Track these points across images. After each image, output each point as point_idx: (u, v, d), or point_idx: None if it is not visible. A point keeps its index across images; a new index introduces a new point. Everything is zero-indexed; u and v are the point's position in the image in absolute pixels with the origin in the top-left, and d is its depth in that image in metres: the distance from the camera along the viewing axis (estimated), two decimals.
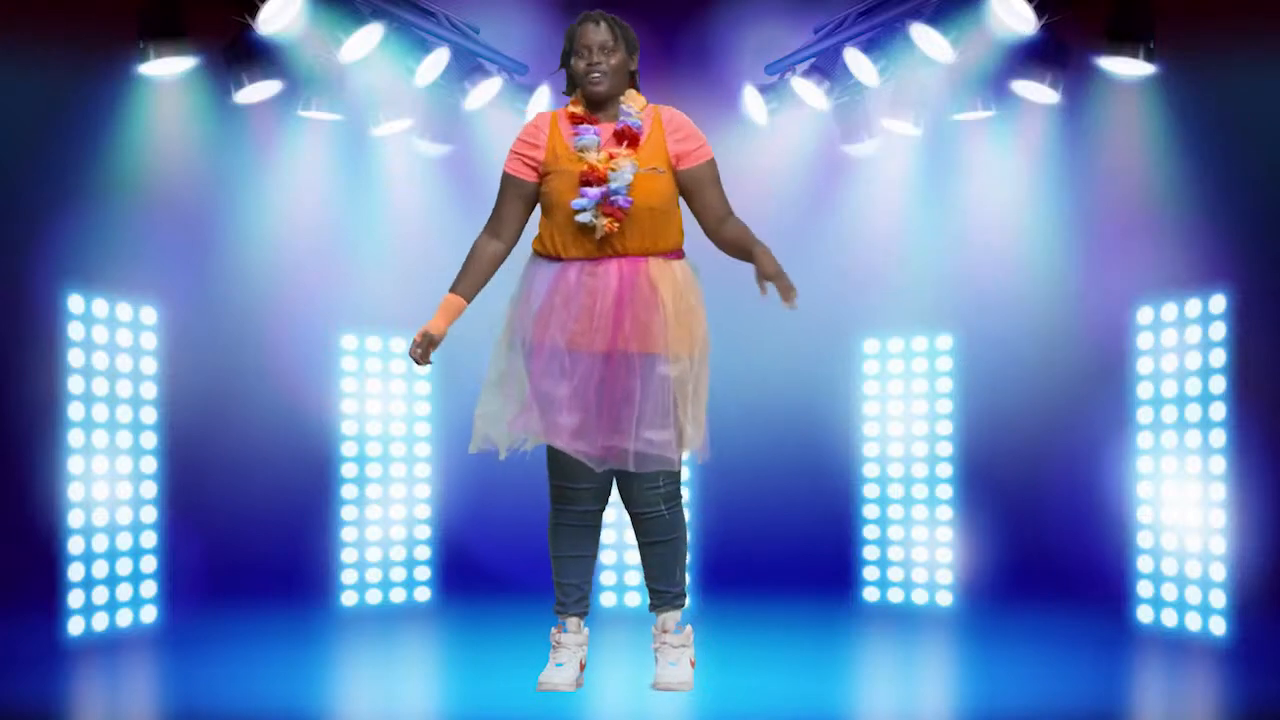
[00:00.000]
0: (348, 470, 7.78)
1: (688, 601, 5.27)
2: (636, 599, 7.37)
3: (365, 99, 7.43)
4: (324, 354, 7.76)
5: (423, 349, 5.04)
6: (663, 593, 5.20)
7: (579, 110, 5.00)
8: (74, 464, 6.73)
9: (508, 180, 5.06)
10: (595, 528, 5.18)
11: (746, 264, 7.96)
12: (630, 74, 5.03)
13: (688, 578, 5.32)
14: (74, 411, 6.74)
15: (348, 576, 7.70)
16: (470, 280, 5.12)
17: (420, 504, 7.93)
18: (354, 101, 7.41)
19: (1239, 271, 6.69)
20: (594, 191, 4.91)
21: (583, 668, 5.23)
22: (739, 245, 5.10)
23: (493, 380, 5.15)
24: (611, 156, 4.93)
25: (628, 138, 4.95)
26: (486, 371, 5.17)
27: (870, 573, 7.93)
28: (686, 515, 5.34)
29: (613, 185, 4.91)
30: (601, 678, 5.43)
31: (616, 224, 4.92)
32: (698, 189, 5.04)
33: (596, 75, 4.90)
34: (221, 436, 7.55)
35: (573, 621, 5.21)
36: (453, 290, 5.10)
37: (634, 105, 4.99)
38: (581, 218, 4.91)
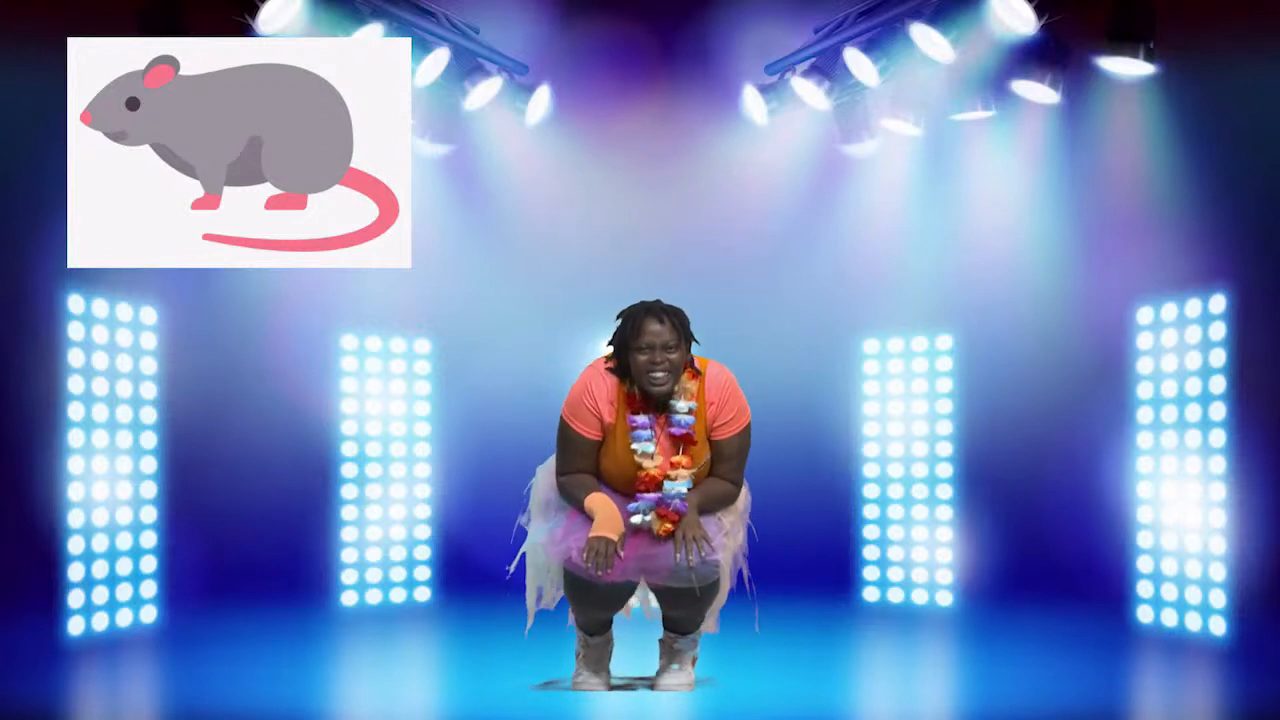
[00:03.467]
0: (348, 470, 7.79)
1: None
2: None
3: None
4: (324, 354, 7.76)
5: (608, 556, 4.90)
6: (676, 622, 5.22)
7: (635, 394, 5.00)
8: (74, 464, 6.72)
9: (583, 441, 5.04)
10: (621, 603, 5.17)
11: (746, 263, 8.03)
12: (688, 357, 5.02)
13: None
14: (74, 411, 6.74)
15: (348, 576, 7.71)
16: (596, 486, 5.05)
17: (420, 504, 7.93)
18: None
19: (1239, 271, 6.69)
20: (651, 497, 4.99)
21: (610, 657, 5.30)
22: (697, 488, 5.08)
23: (536, 527, 5.18)
24: (673, 465, 4.99)
25: (682, 441, 5.00)
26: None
27: (870, 573, 7.94)
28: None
29: (668, 493, 4.98)
30: None
31: (670, 525, 4.98)
32: (716, 455, 5.09)
33: (659, 376, 4.92)
34: (221, 436, 7.55)
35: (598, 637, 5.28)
36: (592, 494, 5.00)
37: (685, 399, 4.99)
38: (635, 519, 4.97)
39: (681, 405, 4.99)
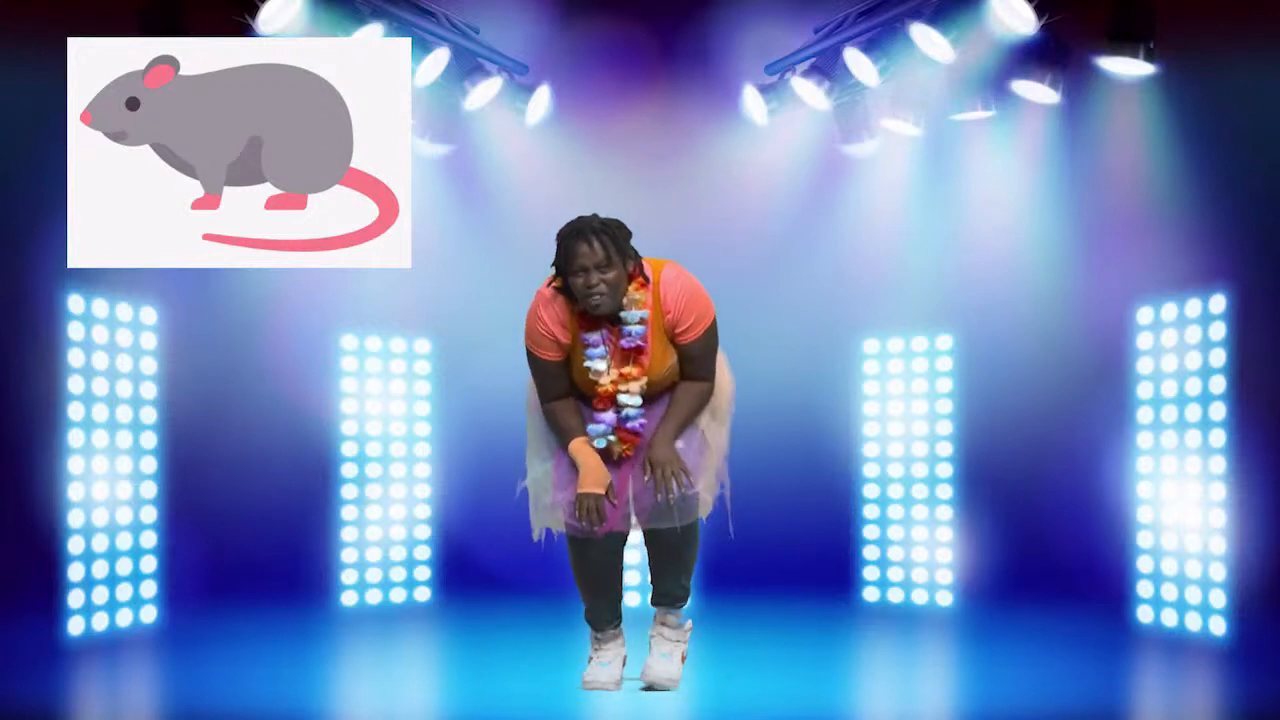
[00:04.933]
0: (348, 470, 7.79)
1: (689, 603, 5.28)
2: (636, 599, 7.37)
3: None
4: (324, 354, 7.76)
5: (599, 510, 4.95)
6: (664, 593, 5.22)
7: (585, 312, 5.00)
8: (74, 464, 6.72)
9: (550, 364, 5.05)
10: (618, 555, 5.19)
11: (746, 263, 8.03)
12: (629, 272, 4.97)
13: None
14: (74, 411, 6.74)
15: (348, 576, 7.71)
16: (577, 425, 5.06)
17: (420, 504, 7.93)
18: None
19: (1239, 271, 6.69)
20: (609, 417, 5.01)
21: (624, 663, 5.30)
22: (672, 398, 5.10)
23: (533, 464, 5.19)
24: (623, 377, 4.99)
25: (633, 353, 5.00)
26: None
27: (870, 573, 7.94)
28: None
29: (624, 411, 5.00)
30: None
31: (631, 447, 5.01)
32: (683, 357, 5.08)
33: (596, 298, 4.90)
34: (221, 436, 7.55)
35: (608, 631, 5.28)
36: (574, 440, 5.03)
37: (635, 309, 4.97)
38: (598, 443, 4.99)
39: (632, 316, 4.97)
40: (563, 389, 5.08)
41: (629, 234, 4.97)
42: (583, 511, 4.94)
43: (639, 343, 4.98)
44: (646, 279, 4.98)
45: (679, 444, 5.03)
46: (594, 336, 4.99)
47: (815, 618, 7.26)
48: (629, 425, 5.01)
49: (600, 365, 4.99)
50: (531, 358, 5.07)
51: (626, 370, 5.00)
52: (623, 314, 4.97)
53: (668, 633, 5.24)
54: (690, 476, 5.00)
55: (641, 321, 4.96)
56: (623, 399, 5.00)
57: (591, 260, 4.88)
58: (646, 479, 4.98)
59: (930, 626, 7.18)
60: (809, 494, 7.96)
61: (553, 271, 5.01)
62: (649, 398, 5.06)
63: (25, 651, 6.11)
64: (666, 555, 5.14)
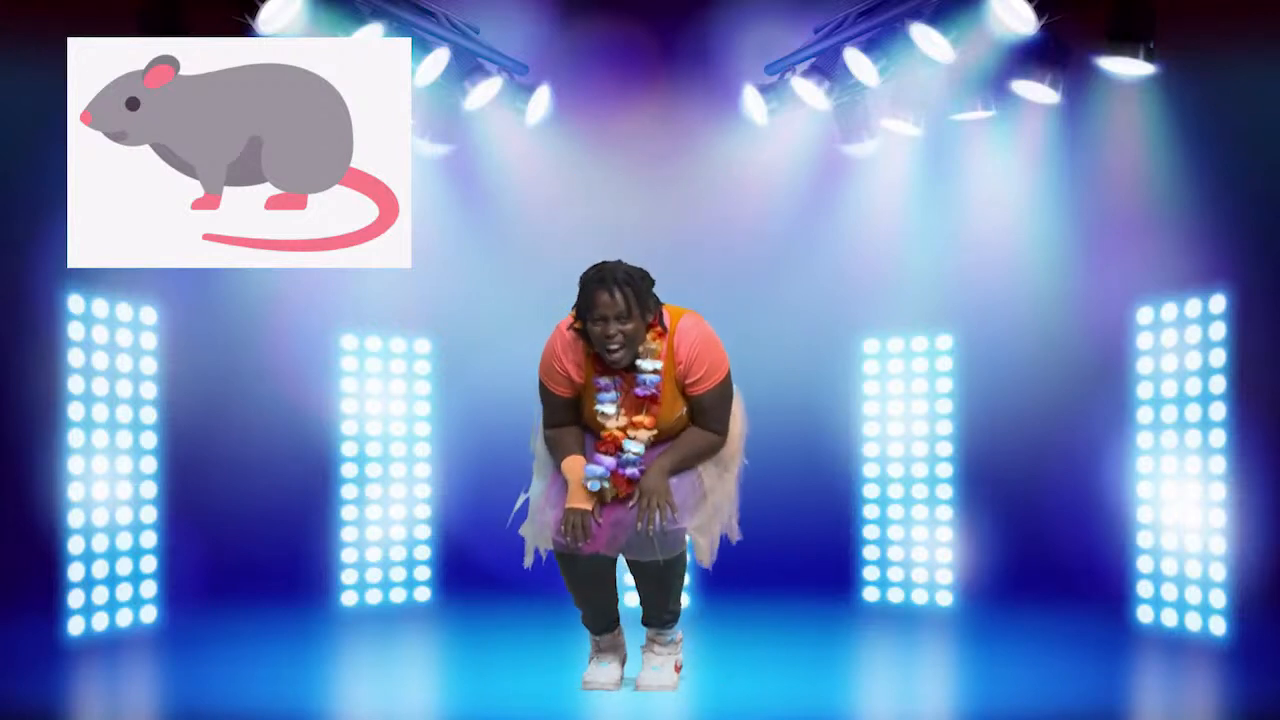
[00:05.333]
0: (348, 470, 7.79)
1: (679, 619, 5.29)
2: (634, 598, 7.37)
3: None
4: (324, 354, 7.76)
5: (585, 527, 4.96)
6: (654, 617, 5.23)
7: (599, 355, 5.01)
8: (74, 464, 6.72)
9: (559, 399, 5.08)
10: (609, 568, 5.18)
11: (746, 263, 8.04)
12: (648, 322, 4.97)
13: (685, 598, 5.35)
14: (74, 411, 6.74)
15: (348, 576, 7.71)
16: (575, 448, 5.08)
17: (420, 504, 7.93)
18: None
19: (1239, 271, 6.69)
20: (608, 461, 5.00)
21: (624, 663, 5.32)
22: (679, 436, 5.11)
23: (534, 483, 5.20)
24: (634, 425, 4.99)
25: (646, 402, 5.00)
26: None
27: (870, 573, 7.93)
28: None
29: (625, 458, 5.00)
30: None
31: (624, 492, 5.00)
32: (694, 408, 5.09)
33: (614, 348, 4.91)
34: (221, 436, 7.55)
35: (606, 636, 5.30)
36: (567, 459, 5.04)
37: (650, 358, 4.97)
38: (592, 485, 4.97)
39: (647, 365, 4.97)
40: (567, 419, 5.10)
41: (652, 283, 4.98)
42: (567, 527, 4.93)
43: (652, 391, 4.98)
44: (664, 328, 4.99)
45: (672, 480, 5.03)
46: (606, 381, 5.01)
47: (815, 618, 7.26)
48: (626, 472, 5.00)
49: (610, 409, 5.01)
50: (543, 387, 5.09)
51: (638, 419, 5.00)
52: (638, 362, 4.97)
53: (658, 648, 5.26)
54: (676, 511, 4.98)
55: (656, 371, 4.97)
56: (627, 444, 4.99)
57: (612, 311, 4.88)
58: (630, 505, 4.99)
59: (930, 626, 7.18)
60: (809, 494, 7.95)
61: (573, 313, 5.01)
62: (653, 444, 5.06)
63: (25, 651, 6.11)
64: (652, 584, 5.14)
